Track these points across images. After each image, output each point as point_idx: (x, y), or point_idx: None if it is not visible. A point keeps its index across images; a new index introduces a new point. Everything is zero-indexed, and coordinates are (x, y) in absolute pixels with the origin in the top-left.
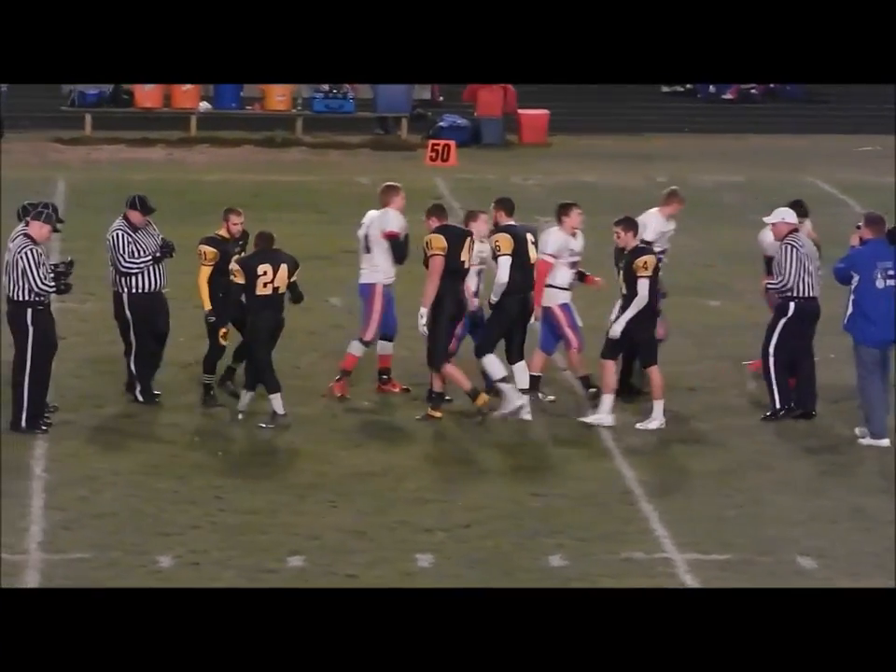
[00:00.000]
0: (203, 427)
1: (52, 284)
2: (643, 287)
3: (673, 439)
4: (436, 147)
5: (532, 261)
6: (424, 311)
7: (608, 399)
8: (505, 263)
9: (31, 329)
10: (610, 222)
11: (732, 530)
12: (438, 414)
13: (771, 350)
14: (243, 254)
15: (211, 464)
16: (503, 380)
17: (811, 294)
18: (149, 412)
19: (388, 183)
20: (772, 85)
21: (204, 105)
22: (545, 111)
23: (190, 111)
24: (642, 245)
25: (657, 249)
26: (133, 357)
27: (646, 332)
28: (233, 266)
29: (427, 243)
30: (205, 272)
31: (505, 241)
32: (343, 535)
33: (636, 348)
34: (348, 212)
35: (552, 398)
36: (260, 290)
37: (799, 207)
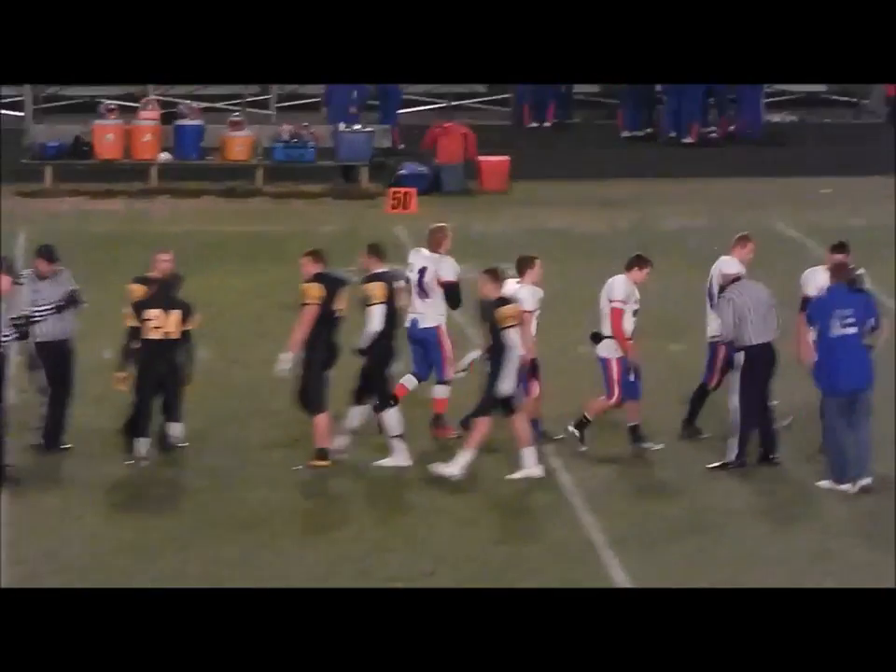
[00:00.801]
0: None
1: (12, 333)
2: (511, 337)
3: (636, 485)
4: (397, 195)
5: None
6: (286, 356)
7: (528, 452)
8: (378, 312)
9: None
10: (578, 268)
11: (696, 575)
12: (324, 463)
13: (736, 403)
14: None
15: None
16: (400, 436)
17: (759, 341)
18: (114, 460)
19: (438, 224)
20: (731, 128)
21: (164, 156)
22: (506, 157)
23: (150, 162)
24: (505, 297)
25: None
26: (46, 400)
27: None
28: (126, 309)
29: (303, 291)
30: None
31: (379, 289)
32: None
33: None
34: None
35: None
36: (150, 335)
37: (841, 248)
